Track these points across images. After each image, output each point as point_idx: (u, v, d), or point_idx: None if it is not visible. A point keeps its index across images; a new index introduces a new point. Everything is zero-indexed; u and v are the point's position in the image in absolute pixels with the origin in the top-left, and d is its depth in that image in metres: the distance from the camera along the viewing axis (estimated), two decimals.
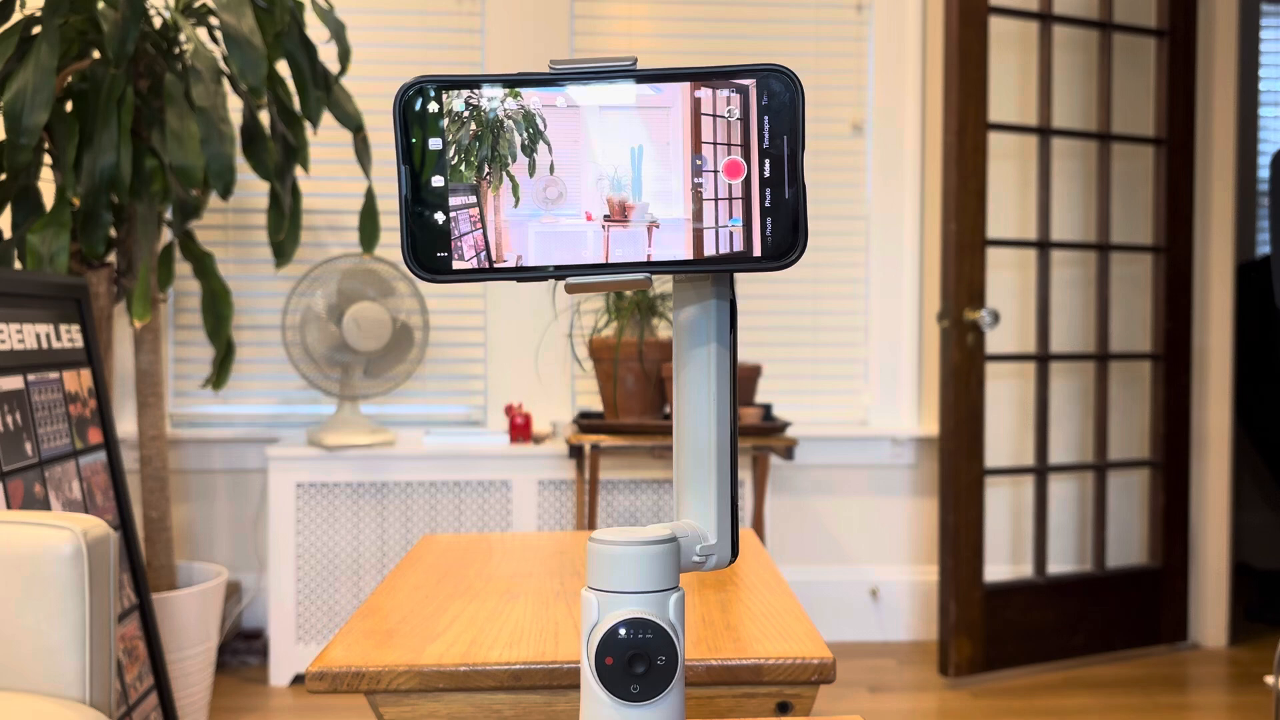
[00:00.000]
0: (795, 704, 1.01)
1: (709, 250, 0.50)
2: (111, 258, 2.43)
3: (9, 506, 1.75)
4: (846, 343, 3.33)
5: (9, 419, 1.83)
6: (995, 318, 2.87)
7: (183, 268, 2.99)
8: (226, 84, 2.41)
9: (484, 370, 3.22)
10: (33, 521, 1.40)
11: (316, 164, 2.94)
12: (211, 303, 2.53)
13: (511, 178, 0.50)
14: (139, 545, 2.18)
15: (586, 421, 2.76)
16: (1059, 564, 3.27)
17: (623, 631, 0.52)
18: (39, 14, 2.21)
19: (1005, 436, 3.28)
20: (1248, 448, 4.11)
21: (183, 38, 2.41)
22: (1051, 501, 3.27)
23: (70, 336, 2.09)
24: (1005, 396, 3.28)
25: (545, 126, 0.50)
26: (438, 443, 2.92)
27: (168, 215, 2.48)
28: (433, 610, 1.16)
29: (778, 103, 0.50)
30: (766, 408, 2.85)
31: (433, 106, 0.49)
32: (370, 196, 2.71)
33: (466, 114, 0.50)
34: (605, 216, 0.50)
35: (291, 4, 2.44)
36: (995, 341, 3.21)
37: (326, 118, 2.59)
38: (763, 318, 3.27)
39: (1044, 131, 3.08)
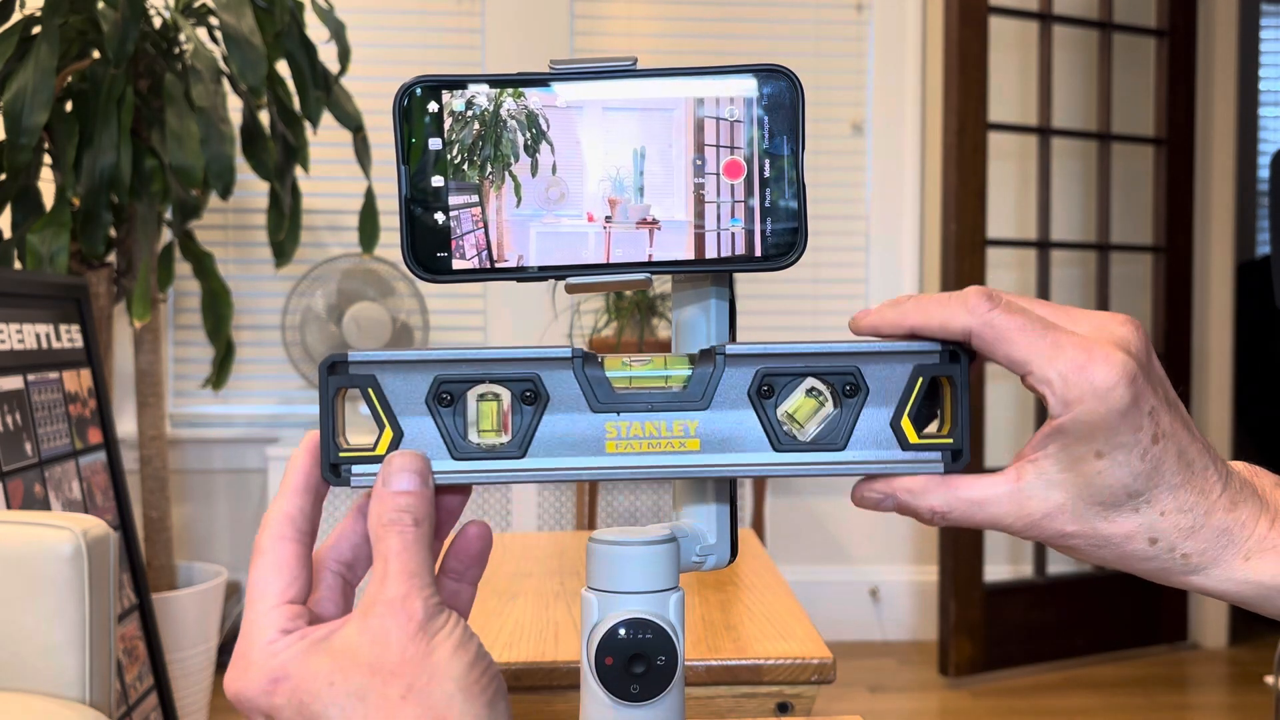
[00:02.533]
0: (795, 704, 1.01)
1: (710, 251, 0.50)
2: (111, 258, 2.43)
3: (9, 506, 1.75)
4: None
5: (9, 419, 1.83)
6: None
7: (183, 268, 2.98)
8: (226, 84, 2.41)
9: None
10: (33, 521, 1.40)
11: (316, 164, 2.93)
12: (211, 303, 2.53)
13: (514, 177, 0.50)
14: (139, 545, 2.18)
15: None
16: (1059, 564, 3.26)
17: (623, 631, 0.52)
18: (39, 14, 2.21)
19: (1005, 436, 3.28)
20: (1248, 447, 4.11)
21: (183, 38, 2.41)
22: None
23: (70, 336, 2.09)
24: (1005, 396, 3.28)
25: (548, 127, 0.50)
26: None
27: (168, 215, 2.48)
28: None
29: (778, 103, 0.50)
30: None
31: (433, 106, 0.49)
32: (370, 196, 2.71)
33: (468, 113, 0.50)
34: (606, 217, 0.50)
35: (291, 4, 2.44)
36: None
37: (326, 118, 2.58)
38: (763, 318, 3.27)
39: (1044, 131, 3.08)
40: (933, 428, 0.50)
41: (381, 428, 0.48)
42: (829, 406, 0.49)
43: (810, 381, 0.49)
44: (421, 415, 0.48)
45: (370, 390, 0.48)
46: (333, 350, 2.85)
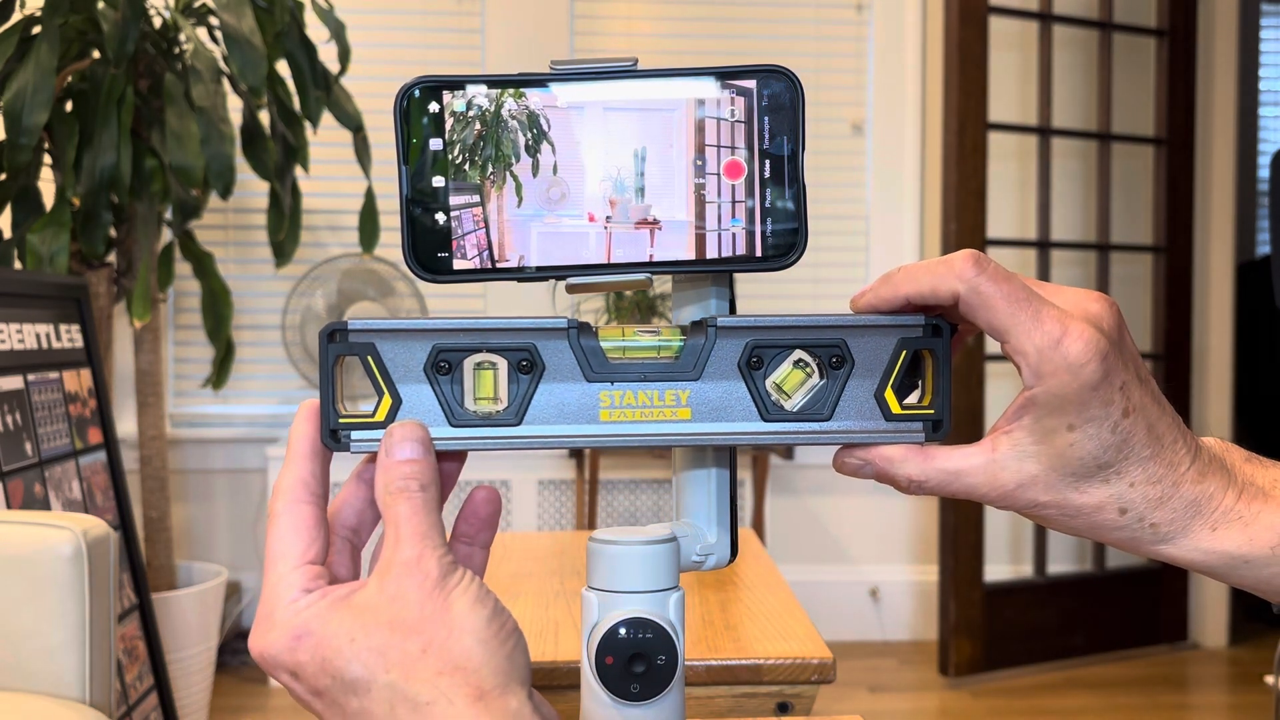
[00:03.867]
0: (795, 704, 1.01)
1: (711, 251, 0.51)
2: (111, 258, 2.43)
3: (9, 506, 1.75)
4: None
5: (9, 419, 1.83)
6: None
7: (183, 268, 2.98)
8: (226, 84, 2.41)
9: None
10: (33, 521, 1.41)
11: (316, 164, 2.93)
12: (211, 303, 2.53)
13: (515, 178, 0.50)
14: (139, 545, 2.18)
15: None
16: (1059, 564, 3.27)
17: (623, 631, 0.52)
18: (39, 14, 2.21)
19: None
20: (1248, 447, 4.10)
21: (183, 38, 2.41)
22: None
23: (70, 336, 2.09)
24: (1005, 396, 3.28)
25: (549, 127, 0.50)
26: None
27: (168, 215, 2.48)
28: None
29: (778, 103, 0.50)
30: None
31: (433, 106, 0.49)
32: (370, 196, 2.71)
33: (469, 114, 0.50)
34: (607, 218, 0.50)
35: (291, 4, 2.44)
36: (995, 341, 3.20)
37: (326, 118, 2.58)
38: None
39: (1044, 131, 3.08)
40: (913, 398, 0.51)
41: (380, 395, 0.49)
42: (815, 377, 0.50)
43: (798, 353, 0.50)
44: (420, 383, 0.49)
45: (369, 358, 0.49)
46: None
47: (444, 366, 0.49)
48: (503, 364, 0.49)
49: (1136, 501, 0.48)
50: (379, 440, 0.48)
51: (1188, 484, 0.48)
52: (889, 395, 0.50)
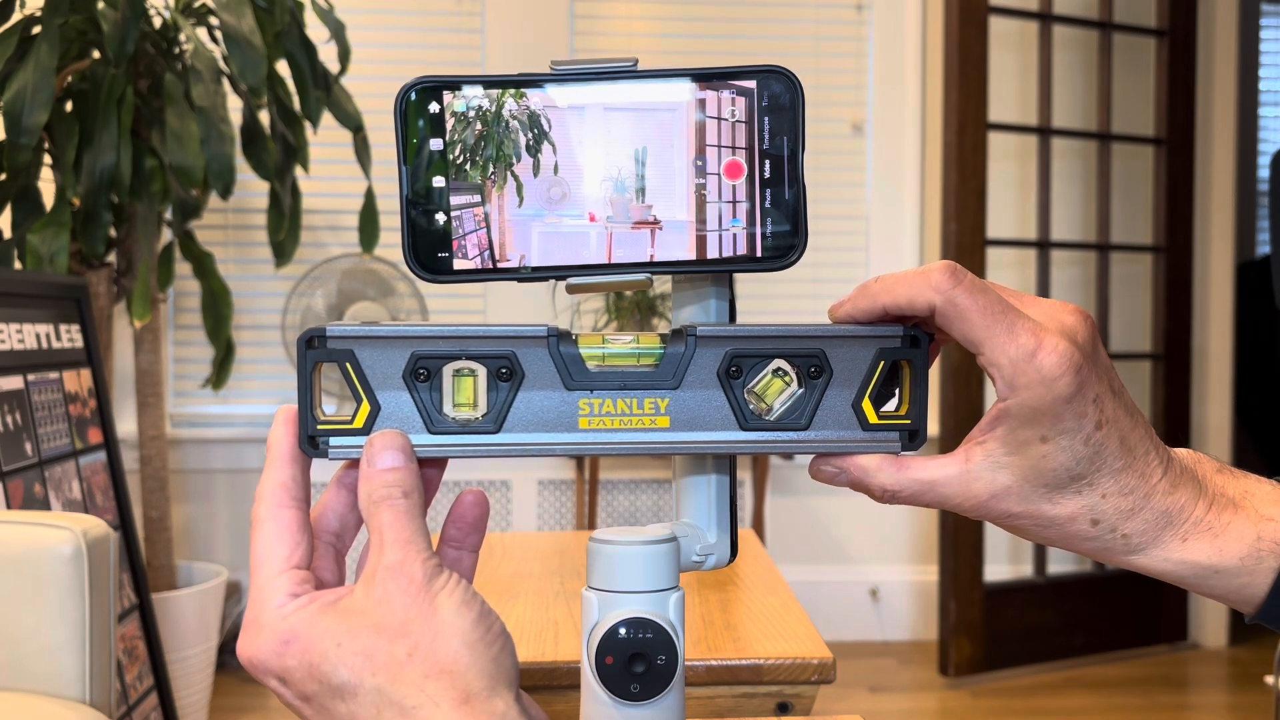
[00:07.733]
0: (795, 704, 1.01)
1: (711, 251, 0.51)
2: (111, 258, 2.43)
3: (9, 506, 1.75)
4: None
5: (9, 419, 1.83)
6: None
7: (183, 268, 2.98)
8: (226, 84, 2.41)
9: None
10: (33, 521, 1.41)
11: (316, 164, 2.93)
12: (211, 303, 2.53)
13: (516, 178, 0.50)
14: (139, 545, 2.18)
15: None
16: (1059, 564, 3.27)
17: (623, 631, 0.52)
18: (39, 14, 2.21)
19: None
20: (1247, 447, 4.11)
21: (183, 38, 2.41)
22: None
23: (70, 336, 2.09)
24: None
25: (550, 127, 0.50)
26: None
27: (168, 215, 2.48)
28: None
29: (778, 104, 0.50)
30: None
31: (434, 107, 0.49)
32: (370, 196, 2.71)
33: (470, 114, 0.50)
34: (608, 218, 0.50)
35: (291, 4, 2.44)
36: None
37: (326, 118, 2.58)
38: (762, 318, 3.27)
39: (1044, 131, 3.08)
40: (890, 405, 0.51)
41: (359, 401, 0.49)
42: (794, 387, 0.50)
43: (777, 362, 0.50)
44: (398, 390, 0.49)
45: (348, 365, 0.49)
46: None
47: (423, 374, 0.49)
48: (482, 371, 0.49)
49: (1108, 512, 0.48)
50: (358, 446, 0.48)
51: (1159, 495, 0.49)
52: (866, 405, 0.50)
